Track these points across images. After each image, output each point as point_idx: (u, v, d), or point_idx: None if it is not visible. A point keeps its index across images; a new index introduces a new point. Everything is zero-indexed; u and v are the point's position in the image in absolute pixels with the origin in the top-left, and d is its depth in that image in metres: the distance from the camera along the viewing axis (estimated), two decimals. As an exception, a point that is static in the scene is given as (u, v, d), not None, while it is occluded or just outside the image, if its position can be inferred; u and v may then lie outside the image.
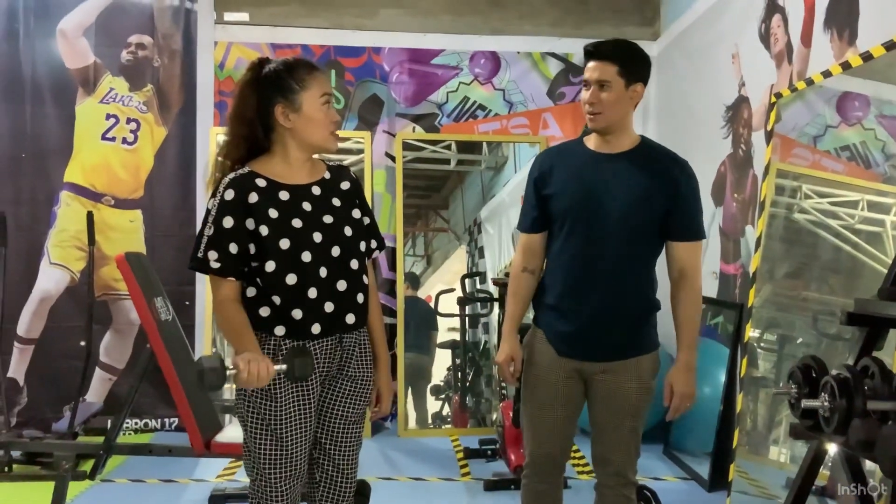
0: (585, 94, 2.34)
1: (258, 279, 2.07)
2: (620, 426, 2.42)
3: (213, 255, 2.04)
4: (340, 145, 5.06)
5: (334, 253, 2.10)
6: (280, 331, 2.07)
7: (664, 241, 2.39)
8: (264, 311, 2.07)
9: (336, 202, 2.16)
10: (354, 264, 2.14)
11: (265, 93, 2.08)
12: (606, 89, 2.30)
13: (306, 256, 2.06)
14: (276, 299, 2.05)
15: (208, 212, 2.07)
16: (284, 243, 2.05)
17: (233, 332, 2.03)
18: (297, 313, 2.06)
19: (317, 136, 2.11)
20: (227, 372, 1.88)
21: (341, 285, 2.10)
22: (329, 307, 2.09)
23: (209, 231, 2.05)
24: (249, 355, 1.93)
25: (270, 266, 2.05)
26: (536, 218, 2.46)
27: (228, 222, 2.04)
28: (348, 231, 2.14)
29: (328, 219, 2.12)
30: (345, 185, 2.22)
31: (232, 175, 2.09)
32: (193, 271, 2.15)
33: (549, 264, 2.47)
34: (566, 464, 2.59)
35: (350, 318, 2.13)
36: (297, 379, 2.00)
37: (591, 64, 2.33)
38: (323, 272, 2.08)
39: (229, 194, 2.05)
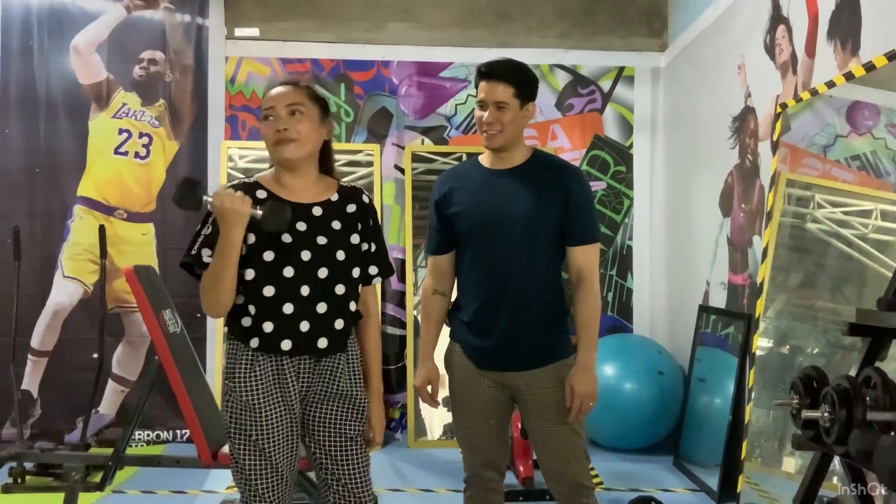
0: (482, 114, 2.39)
1: (241, 286, 2.08)
2: (555, 433, 2.42)
3: (206, 252, 2.07)
4: (351, 157, 5.18)
5: (321, 274, 2.10)
6: (255, 343, 2.08)
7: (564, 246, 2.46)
8: (245, 322, 2.09)
9: (336, 225, 2.16)
10: (340, 289, 2.13)
11: None
12: (503, 110, 2.37)
13: (288, 272, 2.07)
14: (252, 309, 2.07)
15: (208, 213, 2.10)
16: (268, 255, 2.07)
17: (213, 262, 2.05)
18: (269, 326, 2.07)
19: (268, 150, 2.16)
20: (205, 197, 2.00)
21: (321, 307, 2.10)
22: (304, 326, 2.09)
23: (207, 230, 2.09)
24: None
25: (249, 274, 2.07)
26: (441, 240, 2.54)
27: None
28: (340, 255, 2.14)
29: (322, 240, 2.12)
30: (350, 209, 2.21)
31: (236, 182, 2.16)
32: (183, 268, 2.14)
33: (460, 282, 2.54)
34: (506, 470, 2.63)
35: (322, 343, 2.11)
36: (271, 226, 2.01)
37: (485, 84, 2.38)
38: (304, 290, 2.08)
39: None
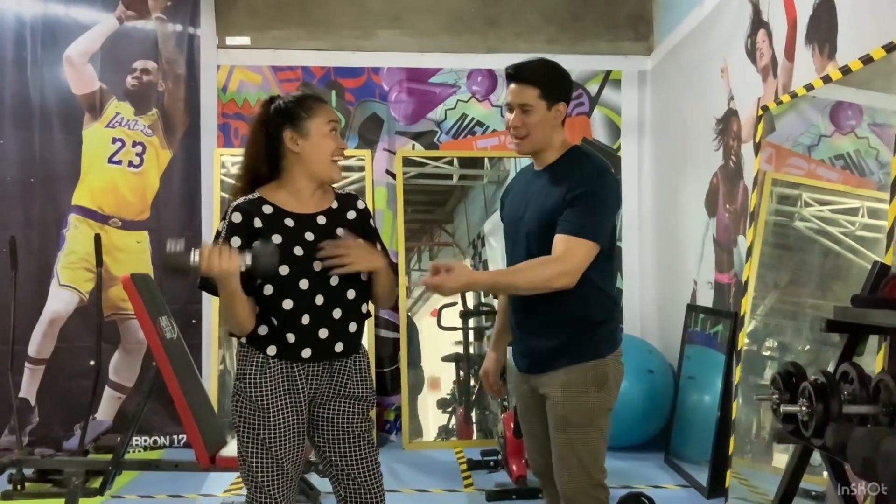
0: (509, 117, 2.35)
1: (260, 301, 2.16)
2: (555, 439, 2.34)
3: None
4: (343, 163, 5.19)
5: (332, 282, 2.17)
6: (272, 350, 2.16)
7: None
8: (262, 330, 2.17)
9: (340, 232, 2.23)
10: (350, 294, 2.21)
11: (275, 122, 2.20)
12: (529, 113, 2.31)
13: (304, 284, 2.14)
14: (274, 321, 2.15)
15: (218, 233, 2.18)
16: (284, 269, 2.13)
17: (222, 301, 2.12)
18: (291, 337, 2.15)
19: (320, 163, 2.20)
20: (192, 256, 1.99)
21: (336, 313, 2.18)
22: (323, 333, 2.17)
23: None
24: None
25: (268, 290, 2.14)
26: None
27: (236, 242, 2.13)
28: None
29: None
30: (350, 215, 2.29)
31: (240, 200, 2.21)
32: (202, 290, 2.22)
33: None
34: None
35: (339, 347, 2.20)
36: (261, 270, 2.04)
37: (512, 87, 2.33)
38: (319, 300, 2.16)
39: (236, 217, 2.16)
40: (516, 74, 2.32)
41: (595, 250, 2.24)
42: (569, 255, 2.21)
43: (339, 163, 2.23)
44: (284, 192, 2.22)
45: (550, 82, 2.32)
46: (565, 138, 2.41)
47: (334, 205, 2.27)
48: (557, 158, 2.37)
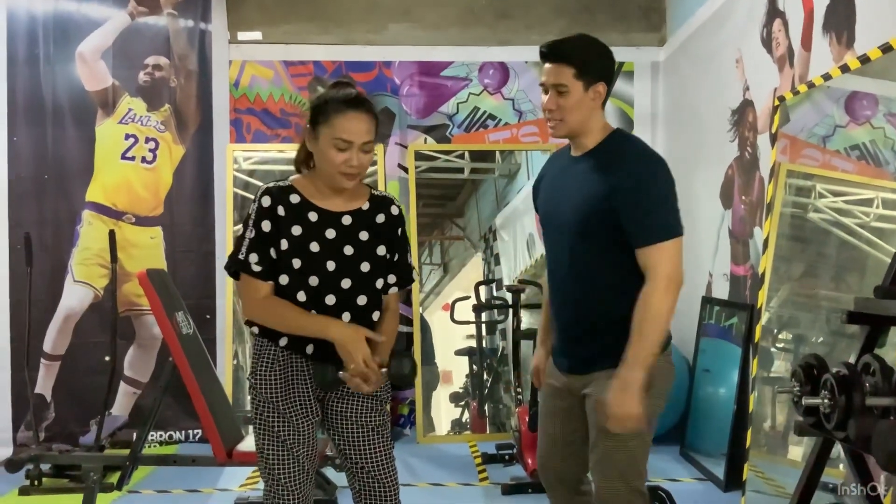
0: (544, 99, 2.18)
1: (276, 290, 2.15)
2: (598, 444, 2.18)
3: (254, 257, 2.10)
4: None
5: (344, 285, 2.14)
6: (283, 342, 2.15)
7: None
8: None
9: (363, 235, 2.17)
10: (362, 300, 2.16)
11: (309, 113, 2.14)
12: (564, 94, 2.12)
13: (313, 281, 2.11)
14: None
15: (249, 216, 2.13)
16: (296, 263, 2.11)
17: (299, 320, 2.11)
18: None
19: (327, 170, 2.12)
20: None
21: (345, 317, 2.15)
22: None
23: (251, 234, 2.11)
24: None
25: (284, 280, 2.12)
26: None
27: (267, 226, 2.10)
28: (365, 267, 2.16)
29: (348, 250, 2.15)
30: (380, 219, 2.20)
31: (272, 184, 2.17)
32: (228, 272, 2.16)
33: None
34: (584, 481, 2.38)
35: None
36: (395, 379, 2.15)
37: (546, 66, 2.15)
38: (330, 300, 2.13)
39: (266, 201, 2.12)
40: (550, 52, 2.14)
41: (678, 243, 2.07)
42: (659, 267, 2.04)
43: (347, 176, 2.10)
44: (314, 185, 2.18)
45: (588, 59, 2.14)
46: (606, 122, 2.24)
47: (365, 206, 2.20)
48: (598, 144, 2.19)
